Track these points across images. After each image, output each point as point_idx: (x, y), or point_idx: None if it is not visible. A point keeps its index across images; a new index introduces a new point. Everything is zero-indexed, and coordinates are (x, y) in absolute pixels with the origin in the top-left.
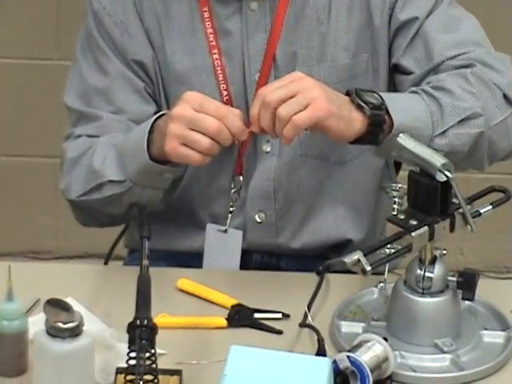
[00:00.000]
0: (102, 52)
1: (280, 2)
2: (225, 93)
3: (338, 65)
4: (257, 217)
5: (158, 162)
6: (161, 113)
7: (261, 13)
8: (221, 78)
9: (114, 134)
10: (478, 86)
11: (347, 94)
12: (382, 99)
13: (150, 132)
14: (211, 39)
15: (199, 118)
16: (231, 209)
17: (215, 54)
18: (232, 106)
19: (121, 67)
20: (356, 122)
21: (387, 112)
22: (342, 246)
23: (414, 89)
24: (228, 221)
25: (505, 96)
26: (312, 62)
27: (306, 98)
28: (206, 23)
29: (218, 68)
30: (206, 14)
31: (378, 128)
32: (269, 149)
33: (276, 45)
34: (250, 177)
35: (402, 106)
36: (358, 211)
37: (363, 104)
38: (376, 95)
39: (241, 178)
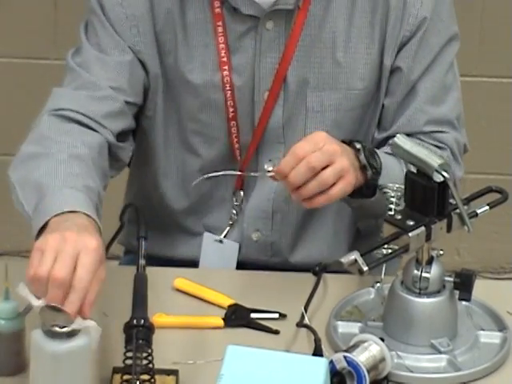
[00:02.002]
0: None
1: (296, 23)
2: (231, 109)
3: (352, 94)
4: (253, 236)
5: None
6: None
7: (275, 32)
8: (228, 95)
9: (71, 154)
10: None
11: (350, 142)
12: (381, 163)
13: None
14: (222, 55)
15: (62, 252)
16: (230, 222)
17: (225, 70)
18: (237, 124)
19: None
20: (357, 181)
21: None
22: None
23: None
24: (225, 233)
25: None
26: (324, 88)
27: (340, 169)
28: (219, 38)
29: (227, 85)
30: (220, 29)
31: (368, 190)
32: (270, 168)
33: (287, 66)
34: (250, 193)
35: (389, 178)
36: (349, 233)
37: (368, 167)
38: (377, 158)
39: (241, 192)
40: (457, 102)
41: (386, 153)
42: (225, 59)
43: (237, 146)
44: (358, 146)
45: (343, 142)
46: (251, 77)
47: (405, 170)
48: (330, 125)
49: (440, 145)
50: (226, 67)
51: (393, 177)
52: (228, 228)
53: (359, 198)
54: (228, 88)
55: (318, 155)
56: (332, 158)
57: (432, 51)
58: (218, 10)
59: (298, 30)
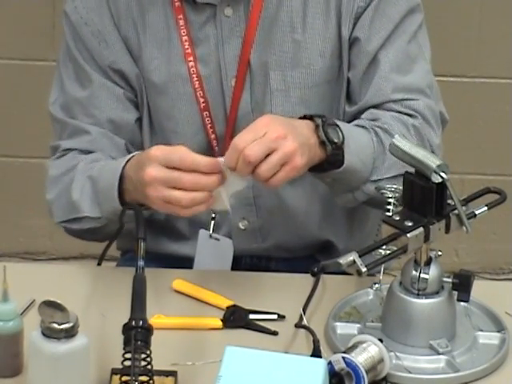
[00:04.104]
0: (79, 65)
1: (254, 7)
2: (201, 100)
3: (314, 70)
4: (240, 224)
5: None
6: (129, 156)
7: (235, 19)
8: (197, 86)
9: (92, 159)
10: (416, 140)
11: (311, 117)
12: (343, 137)
13: (121, 178)
14: (186, 47)
15: (173, 178)
16: (213, 215)
17: (191, 61)
18: (209, 113)
19: (98, 77)
20: (316, 158)
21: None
22: (329, 248)
23: (365, 124)
24: (211, 227)
25: None
26: (286, 67)
27: (282, 157)
28: (181, 31)
29: (194, 76)
30: (181, 22)
31: (331, 166)
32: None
33: (250, 50)
34: None
35: (355, 147)
36: (335, 214)
37: (327, 143)
38: (339, 131)
39: None
40: (426, 73)
41: (356, 125)
42: (189, 51)
43: (213, 136)
44: (318, 121)
45: (305, 117)
46: (217, 65)
47: (375, 139)
48: (296, 102)
49: (411, 112)
50: (191, 58)
51: (359, 147)
52: (213, 222)
53: (323, 172)
54: (196, 79)
55: (255, 148)
56: (273, 146)
57: (391, 21)
58: (177, 4)
59: (256, 13)
